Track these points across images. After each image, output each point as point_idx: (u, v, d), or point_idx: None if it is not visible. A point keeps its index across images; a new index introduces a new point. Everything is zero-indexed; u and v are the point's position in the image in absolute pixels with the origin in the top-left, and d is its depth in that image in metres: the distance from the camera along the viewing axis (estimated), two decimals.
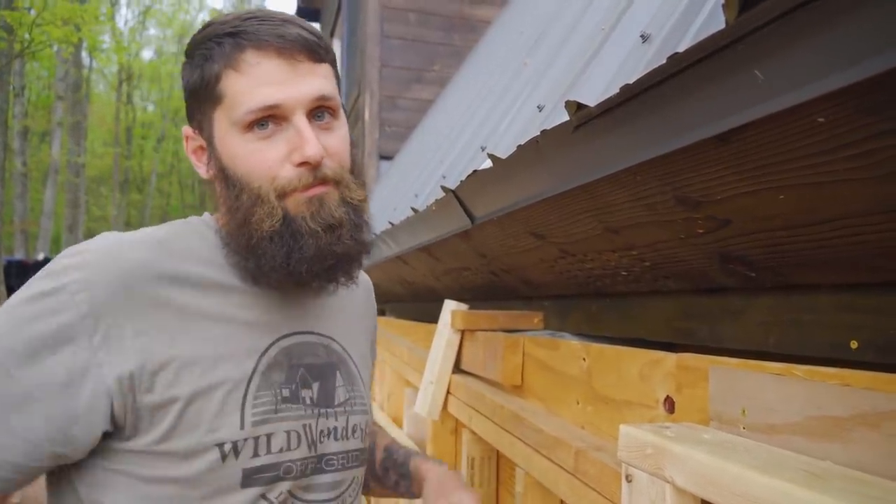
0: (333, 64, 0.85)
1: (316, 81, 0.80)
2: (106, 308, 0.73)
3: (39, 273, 0.76)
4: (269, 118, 0.78)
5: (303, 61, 0.79)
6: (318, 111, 0.81)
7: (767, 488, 0.57)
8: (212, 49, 0.79)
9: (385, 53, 4.84)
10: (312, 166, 0.78)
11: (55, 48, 14.42)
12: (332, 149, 0.81)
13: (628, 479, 0.78)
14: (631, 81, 0.69)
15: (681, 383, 0.89)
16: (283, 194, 0.79)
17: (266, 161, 0.78)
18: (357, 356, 0.98)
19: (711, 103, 0.65)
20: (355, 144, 0.89)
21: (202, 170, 0.86)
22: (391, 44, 4.86)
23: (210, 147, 0.84)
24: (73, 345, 0.72)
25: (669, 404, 0.91)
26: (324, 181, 0.80)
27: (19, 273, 14.28)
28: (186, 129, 0.87)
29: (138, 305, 0.75)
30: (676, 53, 0.62)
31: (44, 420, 0.71)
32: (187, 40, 0.87)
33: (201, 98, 0.82)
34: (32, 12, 8.58)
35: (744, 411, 0.75)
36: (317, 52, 0.80)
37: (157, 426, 0.75)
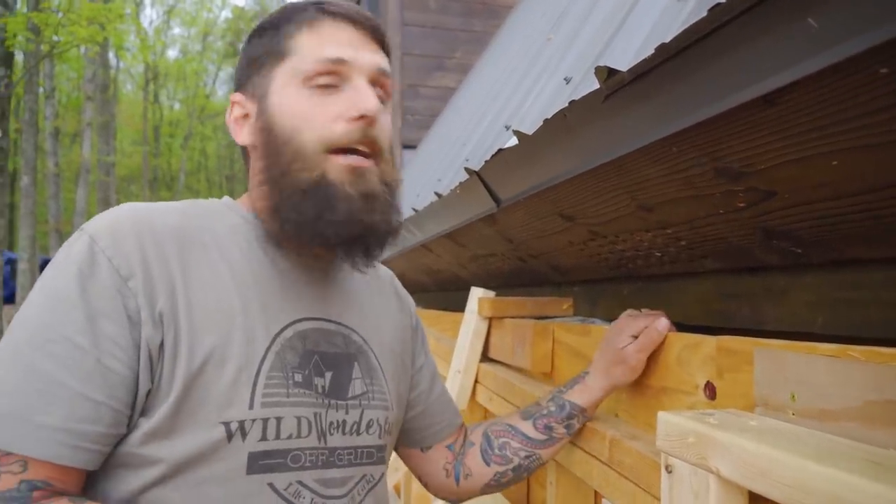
0: (389, 60, 0.89)
1: (379, 57, 0.85)
2: (142, 268, 0.74)
3: (69, 247, 0.75)
4: (332, 76, 0.80)
5: (370, 40, 0.84)
6: (376, 90, 0.84)
7: (826, 479, 0.52)
8: (291, 14, 0.83)
9: (405, 41, 4.79)
10: (366, 123, 0.80)
11: (82, 49, 14.64)
12: (381, 122, 0.83)
13: (668, 469, 0.74)
14: (667, 40, 0.64)
15: (722, 367, 0.83)
16: (327, 150, 0.80)
17: (320, 115, 0.80)
18: (380, 350, 0.94)
19: (757, 60, 0.60)
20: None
21: (242, 137, 0.86)
22: (411, 31, 4.81)
23: (260, 106, 0.84)
24: (125, 309, 0.72)
25: (710, 390, 0.86)
26: (371, 144, 0.81)
27: None
28: (236, 96, 0.87)
29: (164, 267, 0.75)
30: (719, 4, 0.56)
31: (123, 387, 0.72)
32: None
33: (265, 60, 0.84)
34: (60, 14, 8.71)
35: (793, 396, 0.70)
36: (382, 39, 0.86)
37: (170, 396, 0.73)
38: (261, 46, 0.85)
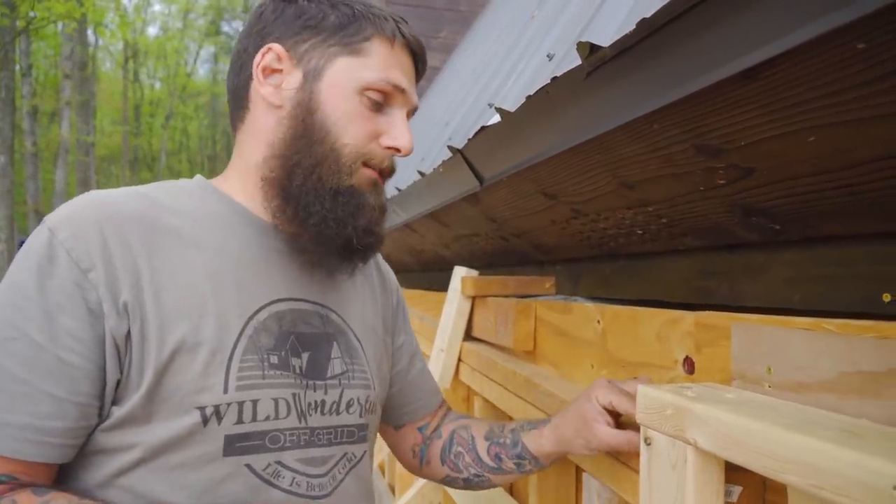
0: None
1: (415, 95, 0.90)
2: (103, 259, 0.72)
3: (30, 241, 0.74)
4: (383, 96, 0.84)
5: (417, 76, 0.91)
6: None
7: (800, 448, 0.53)
8: (369, 16, 0.84)
9: None
10: (396, 154, 0.86)
11: (59, 25, 14.33)
12: None
13: (647, 441, 0.75)
14: (648, 15, 0.64)
15: (700, 343, 0.85)
16: (365, 164, 0.84)
17: (363, 128, 0.83)
18: (361, 330, 0.94)
19: (737, 35, 0.60)
20: None
21: (267, 90, 0.84)
22: (396, 10, 4.76)
23: (306, 80, 0.83)
24: (85, 302, 0.71)
25: (689, 365, 0.87)
26: (390, 171, 0.88)
27: None
28: (276, 46, 0.84)
29: (128, 256, 0.74)
30: None
31: (87, 381, 0.71)
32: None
33: (333, 40, 0.83)
34: None
35: (769, 369, 0.71)
36: (421, 73, 0.92)
37: (141, 385, 0.72)
38: (332, 19, 0.83)
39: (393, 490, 2.85)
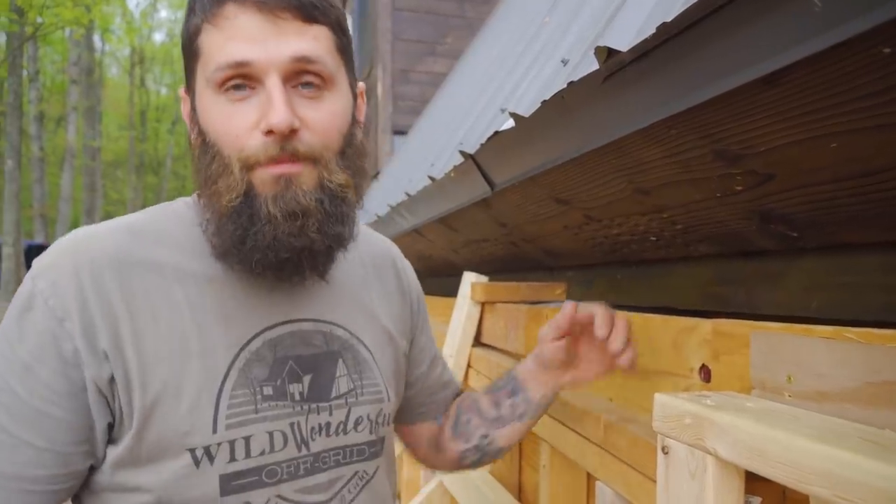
0: (336, 27, 0.76)
1: (300, 42, 0.71)
2: (79, 307, 0.70)
3: (19, 288, 0.74)
4: (242, 79, 0.70)
5: (288, 19, 0.70)
6: (304, 78, 0.72)
7: (824, 458, 0.52)
8: (195, 1, 0.73)
9: (397, 26, 4.75)
10: (280, 137, 0.70)
11: (67, 31, 14.44)
12: (313, 122, 0.72)
13: (665, 450, 0.74)
14: (669, 19, 0.63)
15: (718, 350, 0.84)
16: (247, 166, 0.71)
17: (234, 128, 0.71)
18: (373, 340, 0.89)
19: (759, 40, 0.59)
20: (359, 123, 0.81)
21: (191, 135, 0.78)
22: (403, 16, 4.77)
23: (193, 107, 0.77)
24: (61, 352, 0.70)
25: (705, 373, 0.86)
26: (294, 156, 0.71)
27: None
28: (181, 90, 0.80)
29: (105, 302, 0.71)
30: None
31: (65, 430, 0.70)
32: None
33: (186, 53, 0.76)
34: None
35: (789, 378, 0.70)
36: (308, 10, 0.71)
37: (131, 428, 0.71)
38: (183, 34, 0.77)
39: (399, 497, 2.84)
